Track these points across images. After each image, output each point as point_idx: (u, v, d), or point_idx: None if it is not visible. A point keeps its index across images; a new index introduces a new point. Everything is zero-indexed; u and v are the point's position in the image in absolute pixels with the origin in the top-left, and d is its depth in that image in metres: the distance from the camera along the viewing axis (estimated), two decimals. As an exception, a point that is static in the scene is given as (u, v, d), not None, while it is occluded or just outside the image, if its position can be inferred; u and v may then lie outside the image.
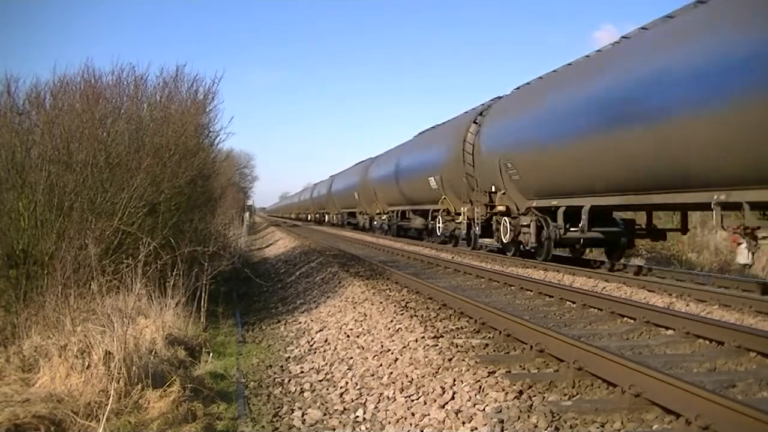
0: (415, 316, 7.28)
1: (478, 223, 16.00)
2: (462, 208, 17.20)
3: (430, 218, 21.10)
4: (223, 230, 17.53)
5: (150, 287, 7.01)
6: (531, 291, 9.09)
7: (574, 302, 7.99)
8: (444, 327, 6.62)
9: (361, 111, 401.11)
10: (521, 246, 14.07)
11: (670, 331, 6.20)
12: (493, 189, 15.05)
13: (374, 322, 7.24)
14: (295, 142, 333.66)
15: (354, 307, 8.40)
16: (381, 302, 8.36)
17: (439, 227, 19.68)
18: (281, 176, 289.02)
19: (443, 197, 18.62)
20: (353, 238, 25.99)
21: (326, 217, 46.11)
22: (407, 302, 8.30)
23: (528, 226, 13.22)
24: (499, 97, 16.56)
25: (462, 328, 6.58)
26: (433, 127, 22.76)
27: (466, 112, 18.90)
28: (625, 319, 6.93)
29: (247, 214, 40.44)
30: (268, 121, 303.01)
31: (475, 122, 16.79)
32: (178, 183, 9.48)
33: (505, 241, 14.56)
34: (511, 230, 14.08)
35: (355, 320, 7.61)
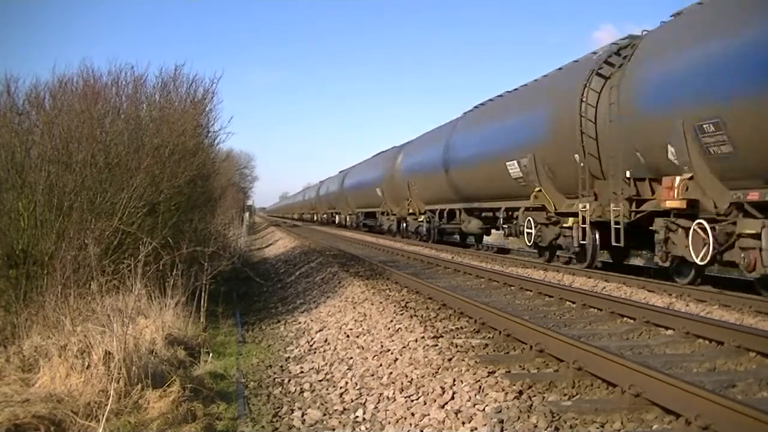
0: (415, 316, 7.28)
1: (619, 228, 10.16)
2: (578, 205, 11.44)
3: (502, 220, 15.50)
4: (223, 230, 17.53)
5: (150, 287, 7.01)
6: (531, 291, 9.09)
7: (573, 302, 7.99)
8: (444, 327, 6.62)
9: (361, 111, 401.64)
10: (746, 271, 7.94)
11: (669, 331, 6.20)
12: (628, 175, 10.00)
13: (374, 322, 7.24)
14: (295, 142, 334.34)
15: (354, 307, 8.40)
16: (381, 302, 8.36)
17: (528, 233, 13.55)
18: (281, 176, 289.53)
19: (537, 188, 12.79)
20: (353, 239, 25.99)
21: (337, 217, 41.13)
22: (407, 302, 8.30)
23: (758, 235, 7.57)
24: (635, 38, 10.75)
25: (462, 328, 6.58)
26: (506, 93, 16.35)
27: (560, 69, 13.40)
28: (625, 319, 6.93)
29: (246, 214, 40.44)
30: (268, 121, 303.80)
31: (599, 74, 11.07)
32: (177, 183, 9.48)
33: (697, 260, 8.56)
34: (714, 243, 8.20)
35: (355, 320, 7.61)
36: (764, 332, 5.56)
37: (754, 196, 7.66)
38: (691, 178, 8.58)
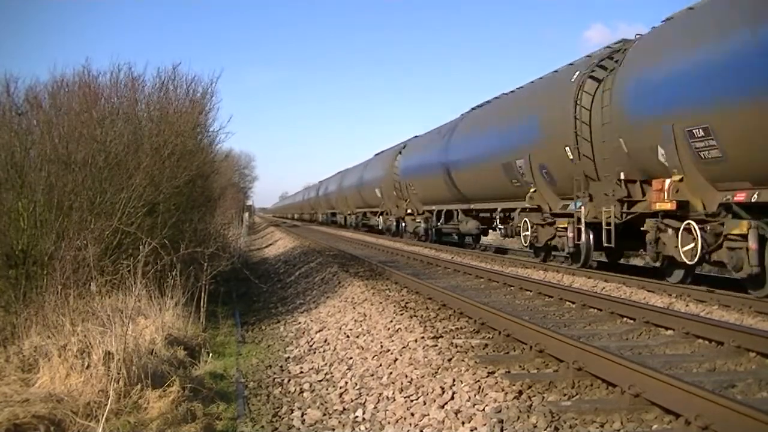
0: (415, 316, 7.28)
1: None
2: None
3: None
4: (223, 230, 17.51)
5: (149, 287, 7.00)
6: (530, 291, 9.09)
7: (573, 302, 7.99)
8: (443, 327, 6.62)
9: (361, 111, 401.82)
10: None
11: (669, 331, 6.20)
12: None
13: (374, 323, 7.24)
14: (295, 142, 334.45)
15: (353, 308, 8.39)
16: (380, 302, 8.35)
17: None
18: (281, 176, 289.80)
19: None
20: (353, 239, 25.98)
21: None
22: (407, 302, 8.30)
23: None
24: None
25: (461, 328, 6.58)
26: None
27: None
28: (625, 319, 6.93)
29: (246, 215, 40.39)
30: (268, 120, 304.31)
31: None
32: (177, 183, 9.47)
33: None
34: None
35: (355, 320, 7.60)
36: (764, 332, 5.56)
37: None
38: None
